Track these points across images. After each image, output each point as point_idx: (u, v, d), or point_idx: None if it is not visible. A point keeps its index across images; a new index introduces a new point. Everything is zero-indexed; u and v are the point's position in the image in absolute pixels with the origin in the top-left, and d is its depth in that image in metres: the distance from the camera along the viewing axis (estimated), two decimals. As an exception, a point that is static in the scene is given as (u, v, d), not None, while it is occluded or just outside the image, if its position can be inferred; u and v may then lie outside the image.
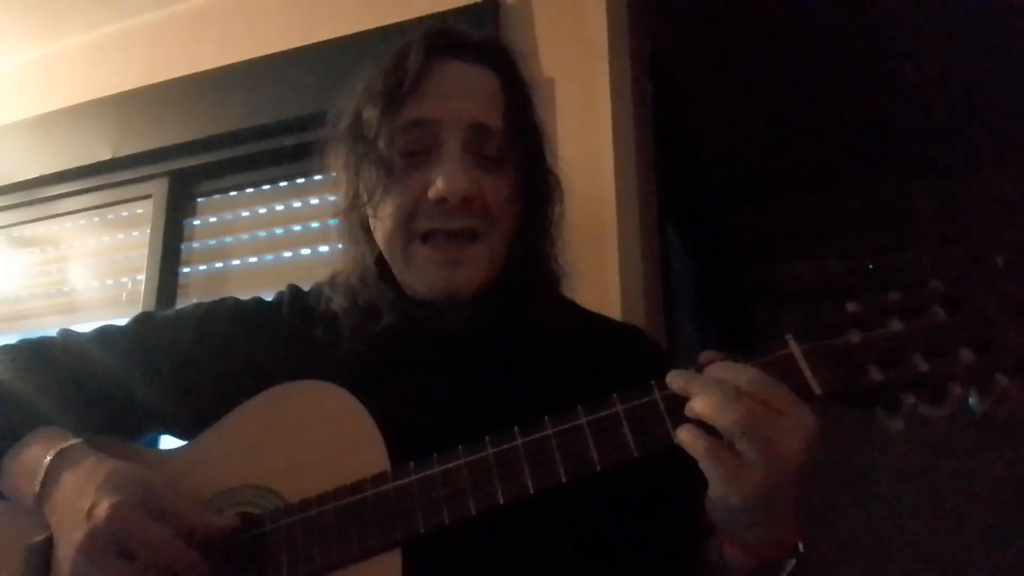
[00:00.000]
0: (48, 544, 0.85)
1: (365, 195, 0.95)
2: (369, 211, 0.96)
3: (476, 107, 0.92)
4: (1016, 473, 2.88)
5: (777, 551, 0.73)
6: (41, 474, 0.85)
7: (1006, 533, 2.84)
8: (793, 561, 0.74)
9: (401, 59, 0.94)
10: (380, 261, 0.98)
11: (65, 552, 0.80)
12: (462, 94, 0.93)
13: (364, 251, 0.98)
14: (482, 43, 0.99)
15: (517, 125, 0.94)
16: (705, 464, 0.68)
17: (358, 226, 0.99)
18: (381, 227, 0.95)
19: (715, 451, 0.68)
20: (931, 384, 0.68)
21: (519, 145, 0.94)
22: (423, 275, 0.92)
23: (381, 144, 0.93)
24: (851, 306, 0.72)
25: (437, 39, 0.96)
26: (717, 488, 0.68)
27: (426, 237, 0.91)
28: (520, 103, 0.97)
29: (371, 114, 0.94)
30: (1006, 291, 0.69)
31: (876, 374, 0.69)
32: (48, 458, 0.86)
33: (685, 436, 0.69)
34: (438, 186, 0.88)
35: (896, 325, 0.70)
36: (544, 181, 1.00)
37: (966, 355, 0.67)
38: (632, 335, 1.07)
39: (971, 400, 0.67)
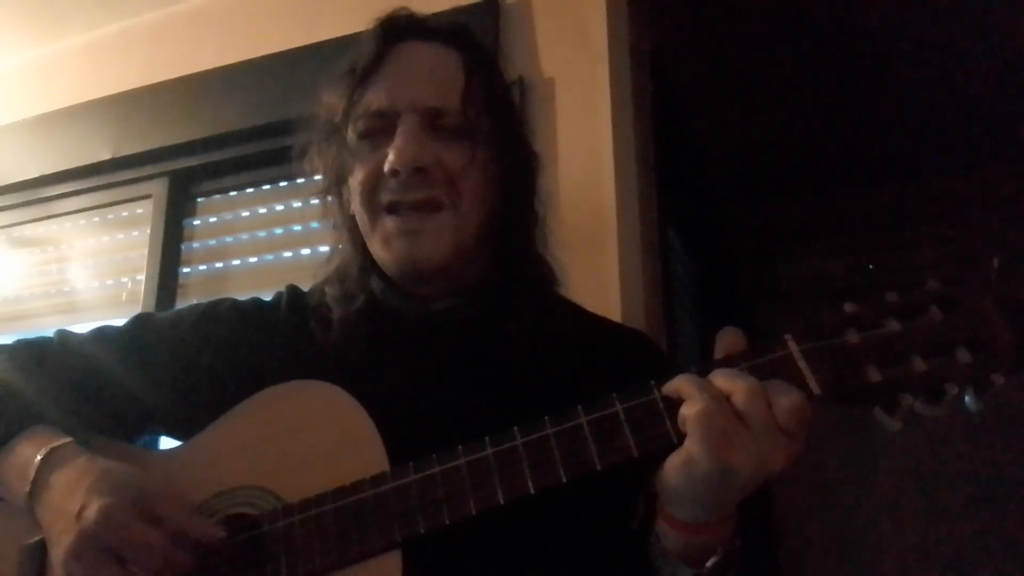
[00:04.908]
0: (43, 545, 0.84)
1: (338, 176, 0.98)
2: (346, 192, 0.99)
3: (432, 90, 0.94)
4: (1015, 472, 2.88)
5: (703, 534, 0.74)
6: (32, 473, 0.85)
7: (1005, 533, 2.84)
8: (719, 552, 0.75)
9: (361, 46, 0.98)
10: (373, 260, 0.99)
11: (56, 555, 0.79)
12: (417, 78, 0.95)
13: (348, 238, 1.01)
14: (441, 24, 1.01)
15: (478, 97, 0.95)
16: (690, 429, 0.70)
17: (341, 215, 1.01)
18: (353, 206, 0.97)
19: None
20: (929, 384, 0.68)
21: (482, 116, 0.95)
22: (387, 247, 0.94)
23: (347, 129, 0.96)
24: (849, 306, 0.72)
25: (394, 23, 0.99)
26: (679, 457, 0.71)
27: (391, 209, 0.93)
28: (482, 77, 0.98)
29: (335, 101, 0.98)
30: (1002, 291, 0.69)
31: (874, 374, 0.69)
32: (39, 457, 0.85)
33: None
34: (390, 158, 0.91)
35: (894, 325, 0.70)
36: (516, 153, 1.01)
37: (963, 355, 0.68)
38: (634, 338, 1.07)
39: (967, 399, 0.68)
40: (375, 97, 0.95)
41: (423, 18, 1.01)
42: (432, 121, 0.93)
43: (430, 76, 0.95)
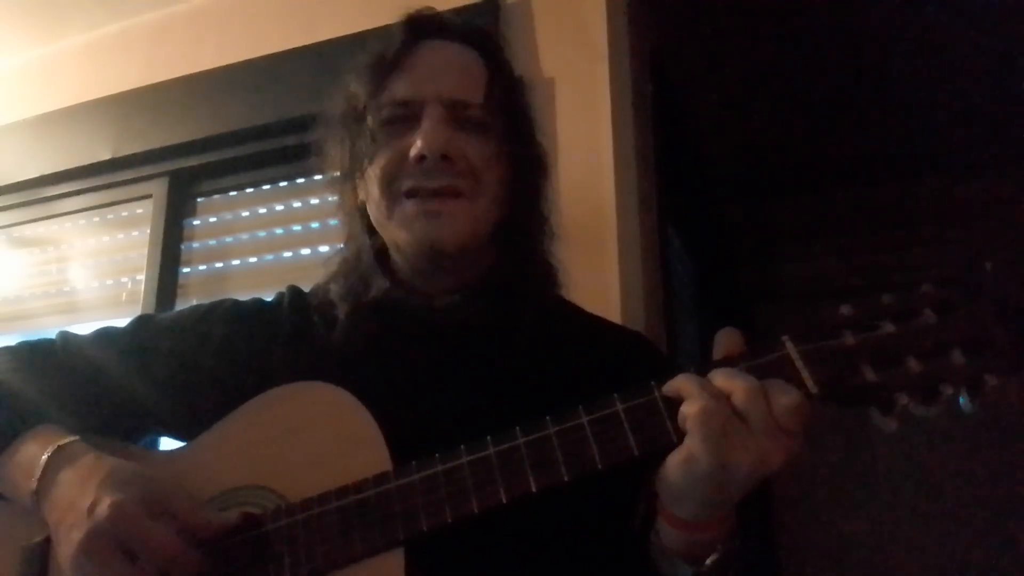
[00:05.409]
0: (46, 544, 0.84)
1: (355, 165, 0.99)
2: (359, 184, 0.99)
3: (455, 83, 0.96)
4: (1015, 472, 2.88)
5: (702, 533, 0.75)
6: (38, 471, 0.85)
7: (1005, 533, 2.85)
8: (718, 550, 0.75)
9: (386, 40, 0.99)
10: (380, 255, 0.99)
11: (65, 551, 0.79)
12: (442, 71, 0.96)
13: (359, 230, 1.01)
14: (463, 24, 1.03)
15: (499, 97, 0.97)
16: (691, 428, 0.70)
17: (355, 207, 1.02)
18: (369, 194, 0.98)
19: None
20: (923, 385, 0.69)
21: (502, 115, 0.97)
22: (407, 228, 0.94)
23: (368, 118, 0.97)
24: (845, 308, 0.73)
25: (419, 20, 1.00)
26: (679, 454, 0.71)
27: (410, 194, 0.93)
28: (502, 77, 1.00)
29: (359, 91, 0.99)
30: (995, 294, 0.70)
31: (870, 375, 0.70)
32: (45, 455, 0.85)
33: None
34: (417, 144, 0.92)
35: (889, 327, 0.71)
36: (530, 151, 1.03)
37: (957, 356, 0.69)
38: (634, 339, 1.08)
39: (961, 400, 0.68)
40: (400, 86, 0.96)
41: (448, 18, 1.03)
42: (455, 113, 0.94)
43: (455, 71, 0.97)
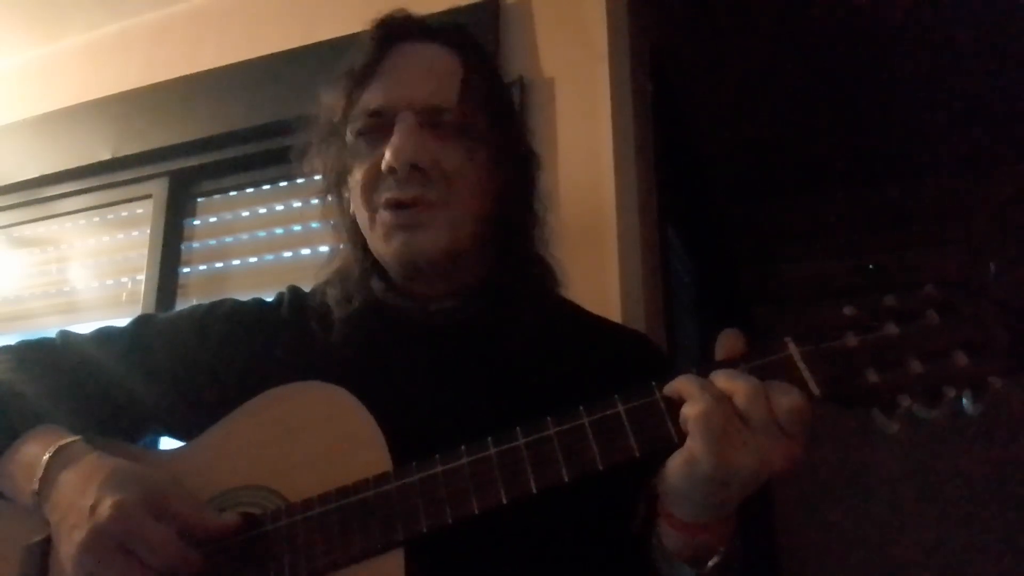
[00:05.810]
0: (47, 544, 0.84)
1: (340, 175, 0.99)
2: (345, 195, 0.99)
3: (428, 89, 0.94)
4: (1015, 472, 2.88)
5: (704, 535, 0.75)
6: (40, 472, 0.85)
7: (1005, 533, 2.85)
8: (721, 551, 0.75)
9: (359, 47, 0.98)
10: (375, 261, 0.99)
11: (66, 551, 0.79)
12: (415, 77, 0.95)
13: (349, 238, 1.01)
14: (438, 24, 1.01)
15: (476, 96, 0.96)
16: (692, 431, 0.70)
17: (341, 216, 1.02)
18: (353, 205, 0.98)
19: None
20: (926, 386, 0.69)
21: (480, 114, 0.96)
22: (386, 241, 0.94)
23: (346, 129, 0.97)
24: (848, 309, 0.73)
25: (391, 24, 0.99)
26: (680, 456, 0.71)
27: (386, 205, 0.93)
28: (480, 76, 0.98)
29: (334, 101, 0.98)
30: (998, 295, 0.70)
31: (873, 376, 0.69)
32: (47, 456, 0.85)
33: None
34: (386, 157, 0.91)
35: (891, 328, 0.71)
36: (514, 152, 1.01)
37: (960, 358, 0.68)
38: (635, 339, 1.07)
39: (965, 402, 0.68)
40: (372, 96, 0.95)
41: (420, 19, 1.01)
42: (429, 119, 0.93)
43: (427, 75, 0.95)
